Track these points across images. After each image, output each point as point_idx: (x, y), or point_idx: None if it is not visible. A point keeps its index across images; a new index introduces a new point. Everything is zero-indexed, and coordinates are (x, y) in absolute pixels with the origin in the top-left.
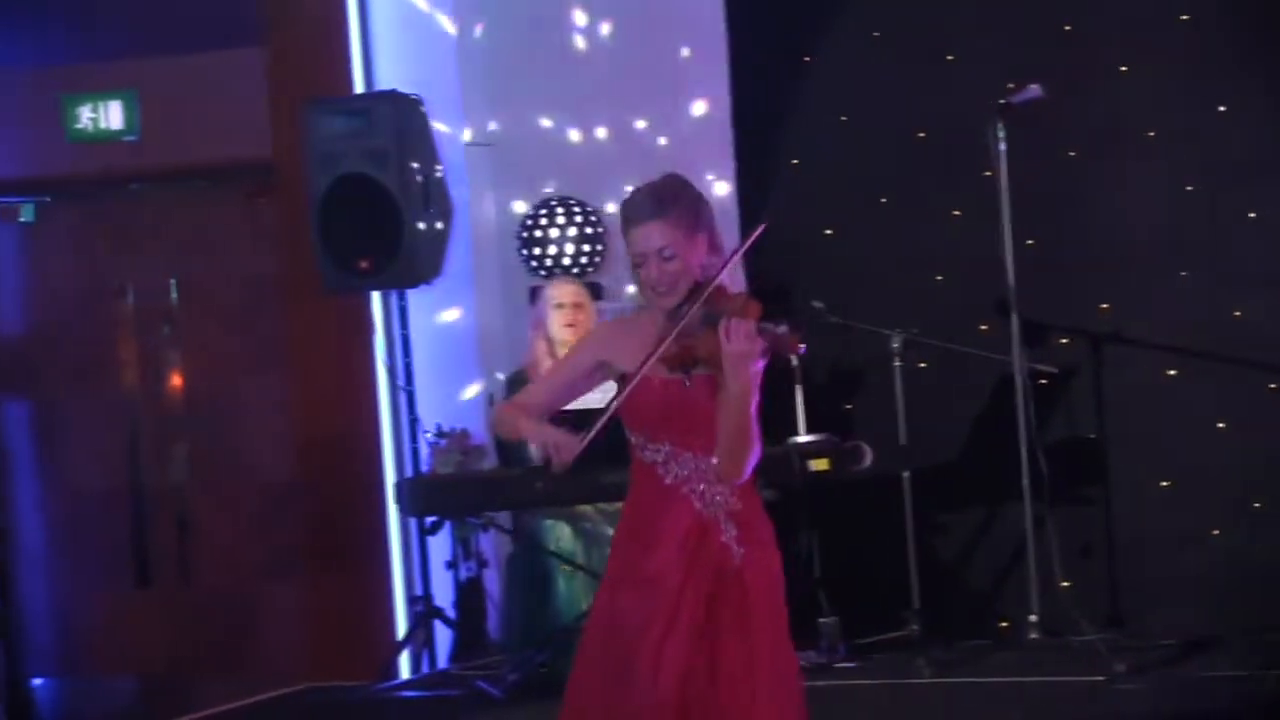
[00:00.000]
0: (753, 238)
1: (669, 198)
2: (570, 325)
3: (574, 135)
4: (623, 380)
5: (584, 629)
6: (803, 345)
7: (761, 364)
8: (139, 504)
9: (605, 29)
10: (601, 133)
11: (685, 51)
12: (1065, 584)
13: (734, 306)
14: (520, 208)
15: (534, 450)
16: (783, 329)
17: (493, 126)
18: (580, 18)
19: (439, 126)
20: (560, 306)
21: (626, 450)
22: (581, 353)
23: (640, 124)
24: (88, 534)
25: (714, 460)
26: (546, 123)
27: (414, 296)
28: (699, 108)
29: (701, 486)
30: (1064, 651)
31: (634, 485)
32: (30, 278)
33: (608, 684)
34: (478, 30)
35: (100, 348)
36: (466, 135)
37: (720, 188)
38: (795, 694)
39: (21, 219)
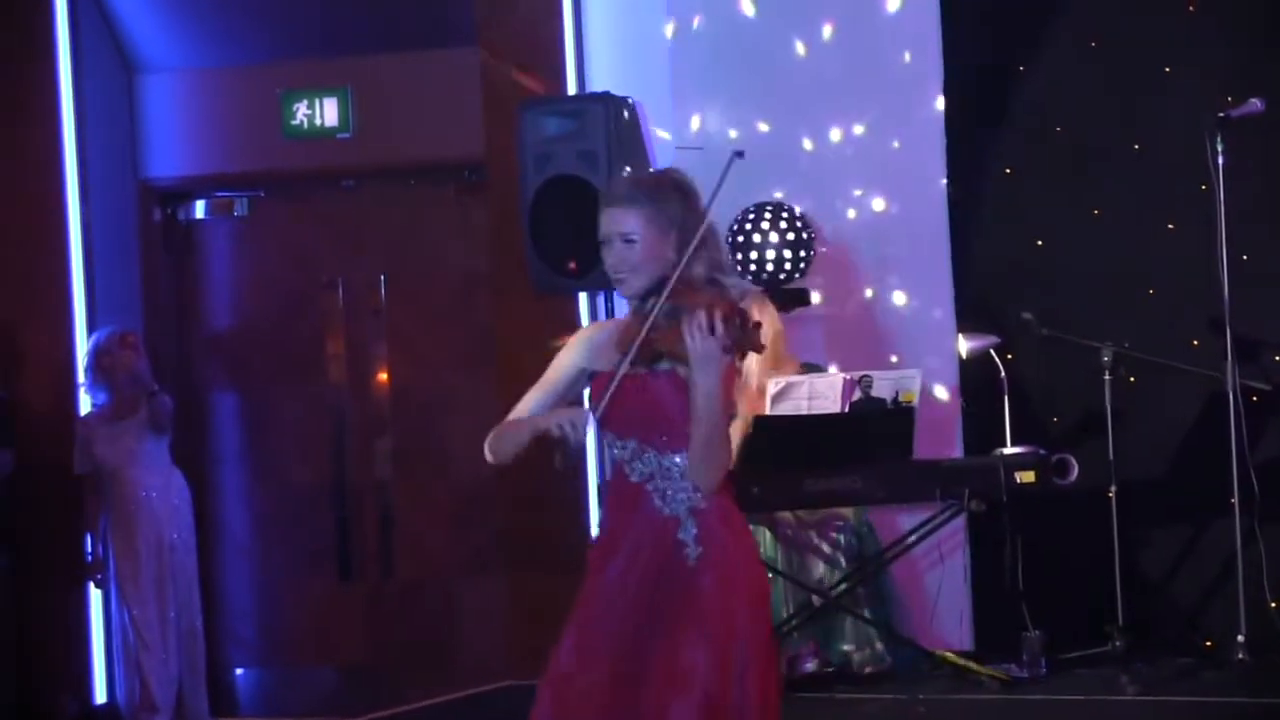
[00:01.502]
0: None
1: (648, 189)
2: None
3: (784, 140)
4: (594, 379)
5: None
6: (764, 343)
7: (727, 361)
8: (343, 498)
9: (820, 35)
10: (812, 139)
11: (900, 60)
12: (1275, 603)
13: (700, 302)
14: (729, 212)
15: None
16: (750, 325)
17: (703, 129)
18: (796, 22)
19: (653, 130)
20: None
21: (829, 457)
22: (563, 360)
23: (852, 131)
24: (292, 527)
25: (678, 459)
26: (759, 127)
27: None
28: (911, 116)
29: (664, 484)
30: (1272, 672)
31: (609, 482)
32: (242, 272)
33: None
34: (692, 28)
35: (309, 342)
36: (679, 137)
37: (932, 195)
38: (745, 712)
39: (235, 213)
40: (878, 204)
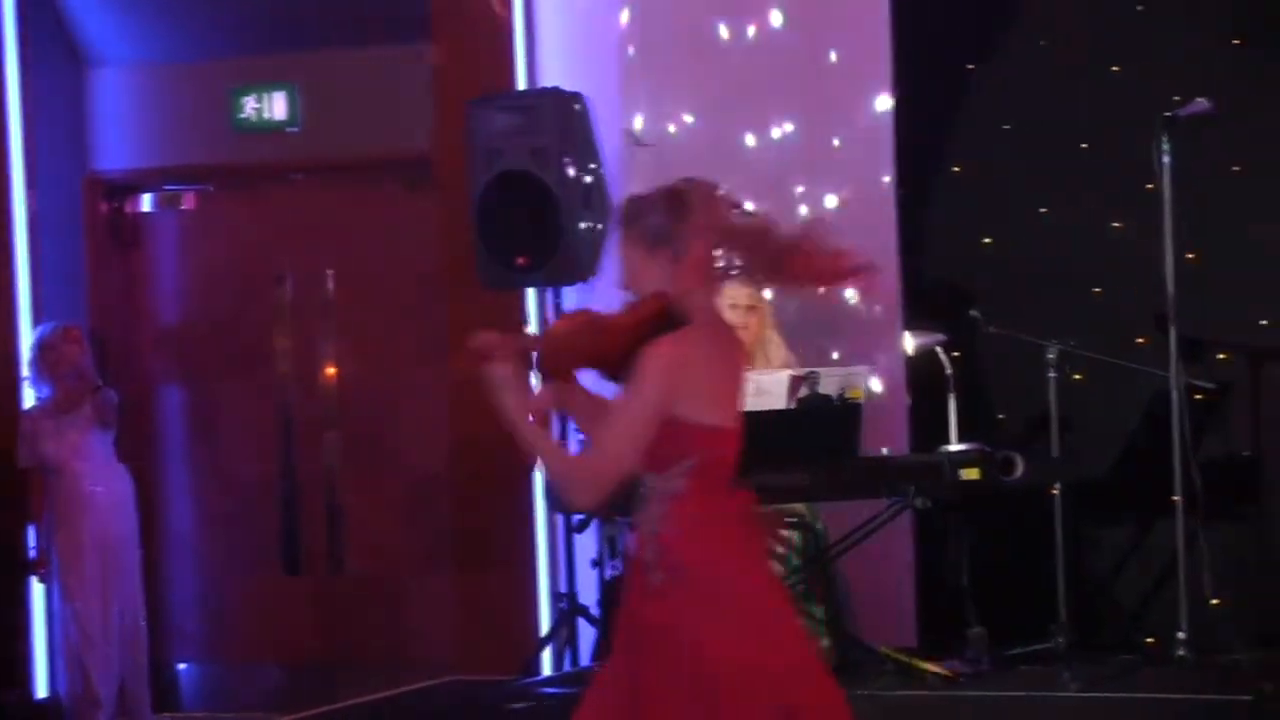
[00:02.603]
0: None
1: (626, 210)
2: (743, 328)
3: (735, 136)
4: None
5: None
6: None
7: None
8: (290, 492)
9: (768, 31)
10: (763, 134)
11: (848, 55)
12: (1215, 601)
13: None
14: None
15: None
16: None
17: (653, 126)
18: (744, 18)
19: (601, 126)
20: (734, 308)
21: (775, 454)
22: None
23: (802, 127)
24: (238, 521)
25: (646, 478)
26: (708, 123)
27: (571, 294)
28: (860, 112)
29: (639, 505)
30: (1211, 670)
31: None
32: (190, 265)
33: None
34: (640, 28)
35: (256, 336)
36: (629, 132)
37: (881, 192)
38: None
39: (183, 206)
40: (826, 200)
